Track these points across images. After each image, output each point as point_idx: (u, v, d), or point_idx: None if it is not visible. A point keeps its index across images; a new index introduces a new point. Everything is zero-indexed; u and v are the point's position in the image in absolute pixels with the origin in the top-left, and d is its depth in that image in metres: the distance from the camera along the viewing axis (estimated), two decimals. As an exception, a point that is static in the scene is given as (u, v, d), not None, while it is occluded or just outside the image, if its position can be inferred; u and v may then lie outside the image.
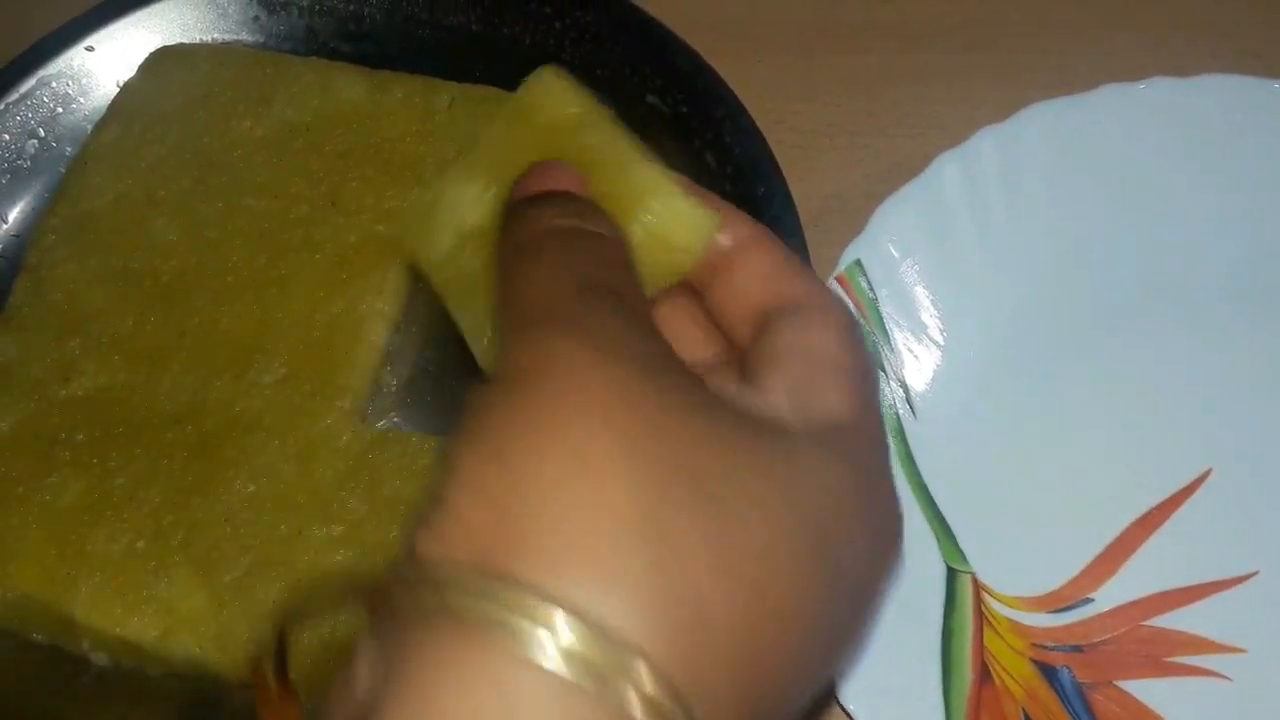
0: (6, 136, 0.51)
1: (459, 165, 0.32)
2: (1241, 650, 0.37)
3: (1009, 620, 0.38)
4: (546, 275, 0.25)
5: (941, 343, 0.42)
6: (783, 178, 0.46)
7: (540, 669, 0.19)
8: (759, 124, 0.47)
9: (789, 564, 0.22)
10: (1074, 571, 0.39)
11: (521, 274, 0.25)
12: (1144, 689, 0.37)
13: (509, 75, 0.49)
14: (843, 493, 0.23)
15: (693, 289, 0.29)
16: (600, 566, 0.20)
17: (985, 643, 0.38)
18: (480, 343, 0.31)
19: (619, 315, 0.24)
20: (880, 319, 0.42)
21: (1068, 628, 0.38)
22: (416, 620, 0.20)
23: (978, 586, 0.39)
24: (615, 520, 0.20)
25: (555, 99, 0.32)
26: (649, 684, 0.19)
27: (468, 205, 0.31)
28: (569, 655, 0.19)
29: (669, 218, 0.29)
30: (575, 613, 0.19)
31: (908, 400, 0.42)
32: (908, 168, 0.44)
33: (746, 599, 0.21)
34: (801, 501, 0.22)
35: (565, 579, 0.20)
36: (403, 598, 0.21)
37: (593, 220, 0.27)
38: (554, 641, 0.19)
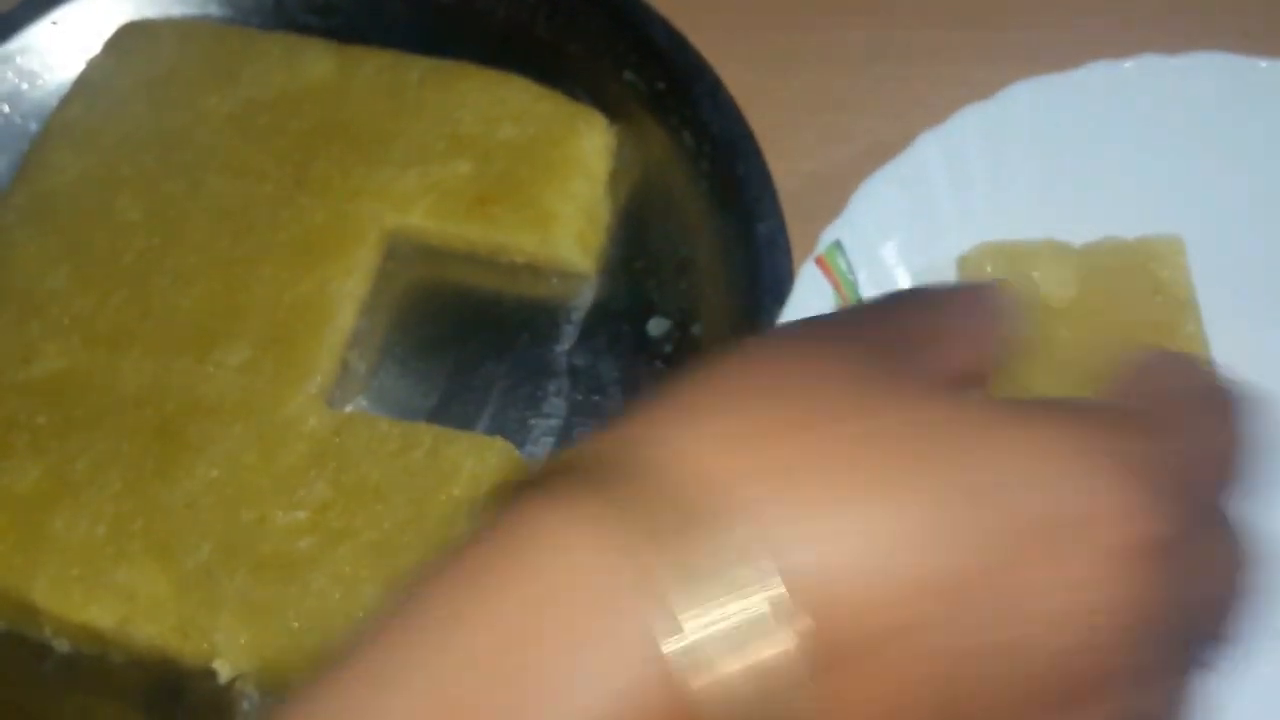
0: (-31, 113, 0.51)
1: (1060, 250, 0.40)
2: (1223, 639, 0.37)
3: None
4: None
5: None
6: (762, 156, 0.45)
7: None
8: (738, 101, 0.46)
9: None
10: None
11: None
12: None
13: (482, 50, 0.49)
14: None
15: None
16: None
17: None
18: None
19: None
20: (860, 301, 0.42)
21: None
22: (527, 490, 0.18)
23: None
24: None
25: (1174, 265, 0.39)
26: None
27: (1053, 280, 0.39)
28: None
29: None
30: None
31: (886, 384, 0.41)
32: (890, 147, 0.43)
33: None
34: None
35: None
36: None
37: None
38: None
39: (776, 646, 0.16)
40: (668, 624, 0.16)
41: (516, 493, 0.18)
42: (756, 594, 0.16)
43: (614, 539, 0.17)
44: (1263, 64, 0.42)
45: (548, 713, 0.16)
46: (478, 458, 0.41)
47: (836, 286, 0.41)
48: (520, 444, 0.42)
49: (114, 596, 0.39)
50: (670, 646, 0.16)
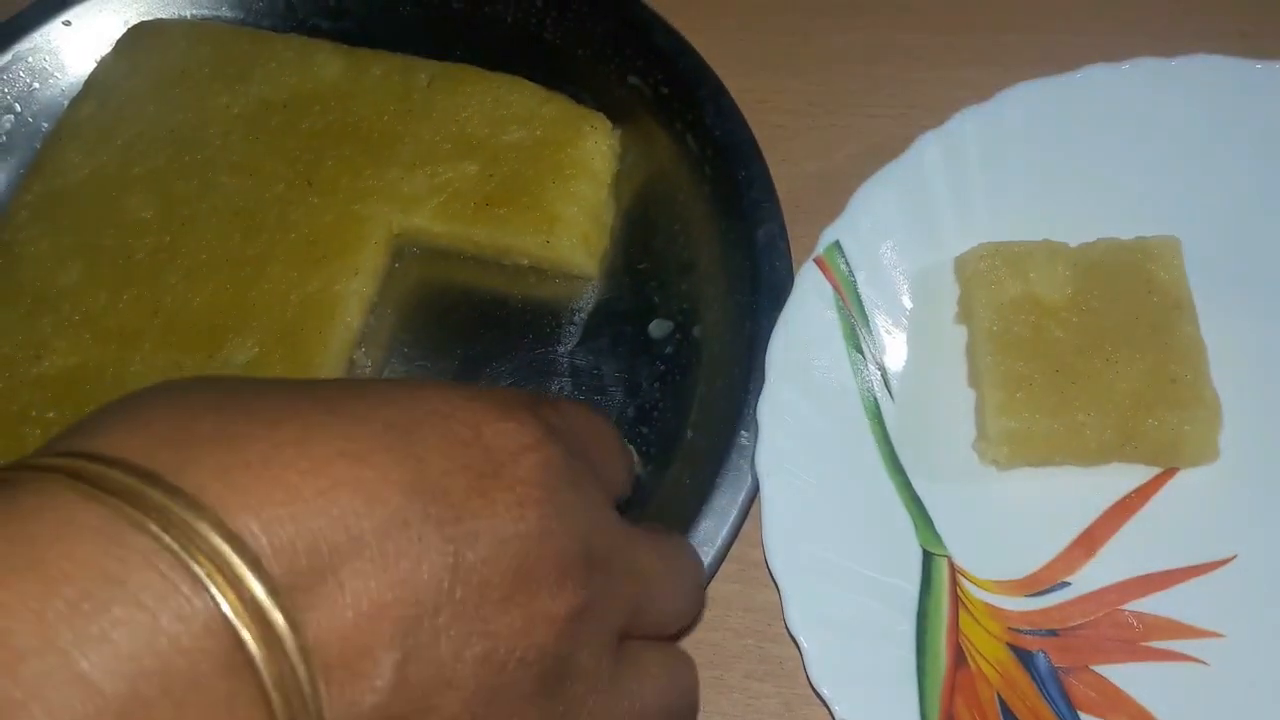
0: (-19, 112, 0.51)
1: (1057, 250, 0.40)
2: (1219, 635, 0.37)
3: (985, 604, 0.38)
4: None
5: (921, 325, 0.42)
6: (763, 161, 0.46)
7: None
8: (740, 104, 0.47)
9: None
10: (1051, 555, 0.39)
11: None
12: (1120, 673, 0.37)
13: (490, 54, 0.50)
14: None
15: None
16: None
17: (961, 627, 0.38)
18: (983, 397, 0.39)
19: None
20: (859, 301, 0.42)
21: (1044, 612, 0.38)
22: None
23: (954, 570, 0.39)
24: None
25: (1170, 265, 0.40)
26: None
27: (1049, 280, 0.40)
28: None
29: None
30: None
31: (885, 383, 0.41)
32: (890, 148, 0.43)
33: None
34: None
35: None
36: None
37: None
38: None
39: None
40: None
41: (12, 482, 0.22)
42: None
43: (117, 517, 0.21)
44: (1258, 65, 0.42)
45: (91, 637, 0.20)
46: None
47: (836, 287, 0.42)
48: (524, 441, 0.43)
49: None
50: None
